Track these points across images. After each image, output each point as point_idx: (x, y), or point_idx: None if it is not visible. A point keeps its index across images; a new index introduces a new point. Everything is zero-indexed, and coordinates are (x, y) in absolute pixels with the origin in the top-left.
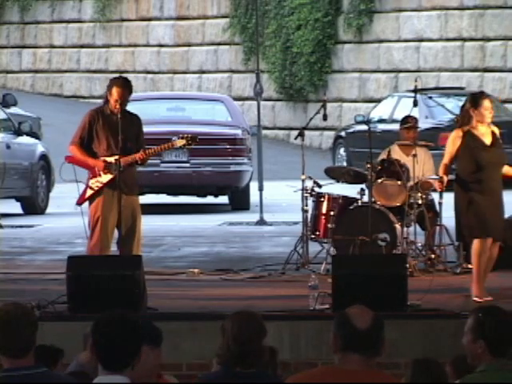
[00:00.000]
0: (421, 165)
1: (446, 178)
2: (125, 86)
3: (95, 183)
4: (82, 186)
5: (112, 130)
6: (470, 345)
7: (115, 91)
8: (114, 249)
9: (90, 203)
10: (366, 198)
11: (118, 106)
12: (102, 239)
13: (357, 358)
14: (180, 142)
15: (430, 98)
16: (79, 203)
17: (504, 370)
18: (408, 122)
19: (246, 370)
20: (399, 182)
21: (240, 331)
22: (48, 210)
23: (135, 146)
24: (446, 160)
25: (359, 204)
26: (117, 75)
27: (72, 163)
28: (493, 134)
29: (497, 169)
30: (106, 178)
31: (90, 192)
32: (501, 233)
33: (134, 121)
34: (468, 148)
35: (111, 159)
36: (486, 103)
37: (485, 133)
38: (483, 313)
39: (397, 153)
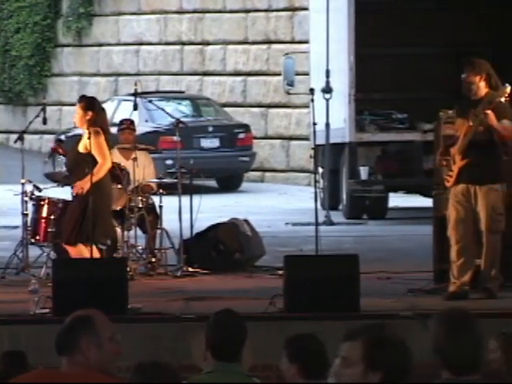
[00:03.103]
0: (141, 168)
1: None
2: None
3: None
4: None
5: None
6: (204, 347)
7: None
8: None
9: None
10: None
11: None
12: None
13: (64, 360)
14: None
15: (150, 101)
16: None
17: (228, 371)
18: (122, 124)
19: None
20: (119, 186)
21: None
22: None
23: None
24: None
25: None
26: None
27: None
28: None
29: None
30: None
31: None
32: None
33: None
34: None
35: None
36: None
37: None
38: (214, 316)
39: (117, 156)
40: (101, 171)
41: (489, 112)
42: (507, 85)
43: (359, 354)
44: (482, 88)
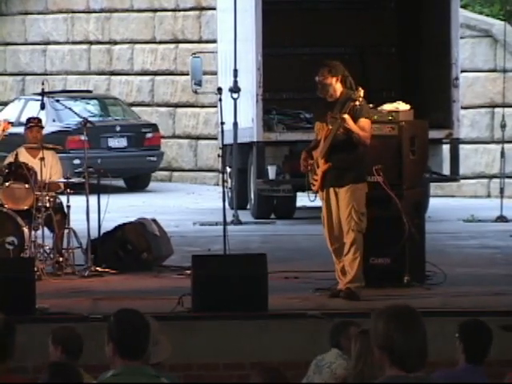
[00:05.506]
0: (48, 168)
1: None
2: None
3: None
4: None
5: None
6: (106, 348)
7: None
8: None
9: None
10: None
11: None
12: None
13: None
14: None
15: (58, 101)
16: None
17: (136, 373)
18: (30, 122)
19: None
20: (27, 185)
21: None
22: None
23: None
24: None
25: None
26: None
27: None
28: None
29: None
30: None
31: None
32: None
33: None
34: None
35: None
36: None
37: None
38: (114, 315)
39: (24, 156)
40: None
41: (345, 116)
42: (360, 88)
43: None
44: (338, 89)
